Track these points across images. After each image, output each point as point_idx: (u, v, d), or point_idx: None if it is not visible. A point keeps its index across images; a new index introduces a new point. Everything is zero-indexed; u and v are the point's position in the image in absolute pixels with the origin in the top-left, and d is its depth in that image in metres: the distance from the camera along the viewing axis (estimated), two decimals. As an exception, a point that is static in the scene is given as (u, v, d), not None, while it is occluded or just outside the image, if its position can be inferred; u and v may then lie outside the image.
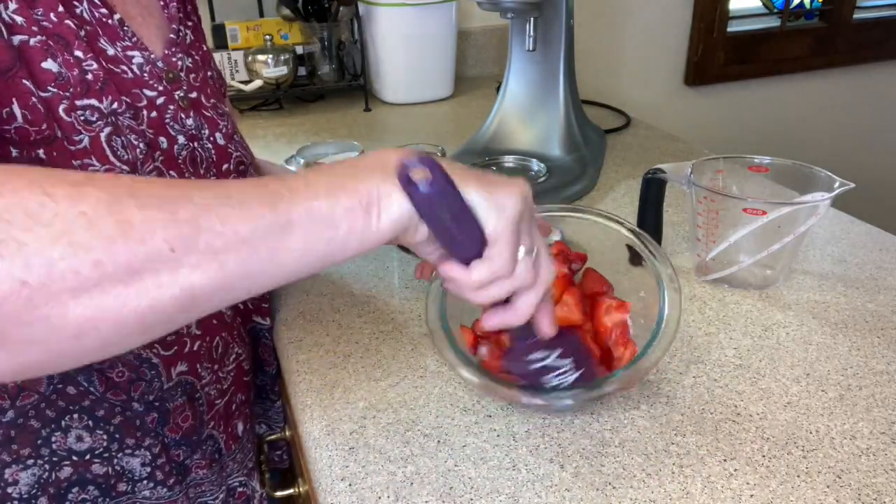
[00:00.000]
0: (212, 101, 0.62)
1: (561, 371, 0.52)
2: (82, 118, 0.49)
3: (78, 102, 0.48)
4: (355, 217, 0.38)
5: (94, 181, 0.33)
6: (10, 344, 0.31)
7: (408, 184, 0.40)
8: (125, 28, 0.53)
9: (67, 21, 0.49)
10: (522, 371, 0.53)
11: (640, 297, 0.61)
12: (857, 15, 2.02)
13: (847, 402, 0.59)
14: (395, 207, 0.40)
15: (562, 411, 0.57)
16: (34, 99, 0.46)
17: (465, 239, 0.42)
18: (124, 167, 0.50)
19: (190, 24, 0.64)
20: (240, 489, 0.69)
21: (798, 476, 0.51)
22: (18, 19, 0.46)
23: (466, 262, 0.43)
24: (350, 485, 0.52)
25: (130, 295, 0.33)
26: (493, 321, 0.47)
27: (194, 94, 0.59)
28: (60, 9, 0.48)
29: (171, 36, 0.59)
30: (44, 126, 0.46)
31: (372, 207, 0.39)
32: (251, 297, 0.38)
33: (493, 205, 0.42)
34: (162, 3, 0.60)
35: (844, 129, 2.15)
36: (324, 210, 0.38)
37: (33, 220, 0.30)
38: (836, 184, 0.70)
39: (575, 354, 0.53)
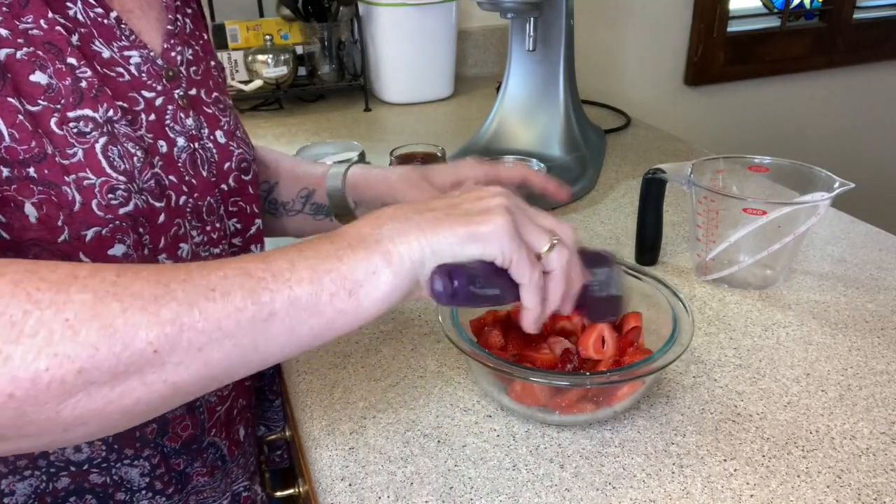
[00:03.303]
0: (213, 95, 0.60)
1: (610, 276, 0.52)
2: (75, 130, 0.47)
3: (70, 114, 0.47)
4: (340, 301, 0.39)
5: (79, 279, 0.34)
6: (5, 441, 0.34)
7: (440, 294, 0.41)
8: (122, 26, 0.52)
9: (59, 27, 0.47)
10: (599, 305, 0.52)
11: (634, 306, 0.62)
12: (857, 15, 2.02)
13: (847, 402, 0.59)
14: (383, 286, 0.40)
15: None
16: (20, 116, 0.44)
17: (500, 286, 0.43)
18: (121, 177, 0.49)
19: (189, 11, 0.61)
20: (245, 494, 0.69)
21: (798, 476, 0.51)
22: (4, 32, 0.44)
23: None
24: (350, 485, 0.52)
25: (115, 395, 0.34)
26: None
27: (194, 91, 0.58)
28: (51, 14, 0.47)
29: (169, 27, 0.57)
30: (32, 143, 0.45)
31: (357, 289, 0.39)
32: (234, 380, 0.40)
33: (481, 240, 0.42)
34: None
35: (844, 129, 2.15)
36: (307, 298, 0.38)
37: (18, 331, 0.32)
38: (836, 184, 0.70)
39: (602, 260, 0.52)
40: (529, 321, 0.46)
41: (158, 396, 0.35)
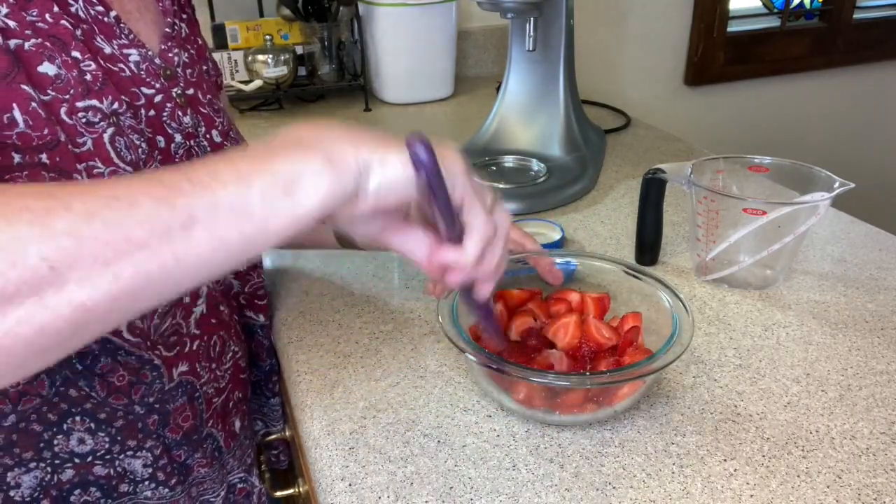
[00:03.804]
0: (208, 97, 0.62)
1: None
2: (84, 120, 0.48)
3: (79, 104, 0.48)
4: (273, 199, 0.36)
5: None
6: None
7: (417, 160, 0.38)
8: (121, 25, 0.53)
9: (63, 21, 0.48)
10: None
11: (634, 307, 0.62)
12: (857, 15, 2.02)
13: (847, 402, 0.59)
14: (324, 183, 0.37)
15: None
16: (34, 104, 0.46)
17: (449, 212, 0.41)
18: (128, 168, 0.50)
19: (184, 16, 0.63)
20: (240, 485, 0.70)
21: (798, 476, 0.51)
22: (11, 23, 0.45)
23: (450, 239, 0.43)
24: (350, 485, 0.52)
25: (10, 322, 0.30)
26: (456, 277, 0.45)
27: (191, 91, 0.59)
28: (55, 9, 0.48)
29: (167, 30, 0.59)
30: (45, 131, 0.46)
31: (293, 186, 0.36)
32: (165, 302, 0.36)
33: (447, 169, 0.40)
34: None
35: (844, 129, 2.15)
36: (232, 200, 0.35)
37: None
38: (836, 184, 0.70)
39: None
40: (456, 275, 0.43)
41: (66, 322, 0.31)
